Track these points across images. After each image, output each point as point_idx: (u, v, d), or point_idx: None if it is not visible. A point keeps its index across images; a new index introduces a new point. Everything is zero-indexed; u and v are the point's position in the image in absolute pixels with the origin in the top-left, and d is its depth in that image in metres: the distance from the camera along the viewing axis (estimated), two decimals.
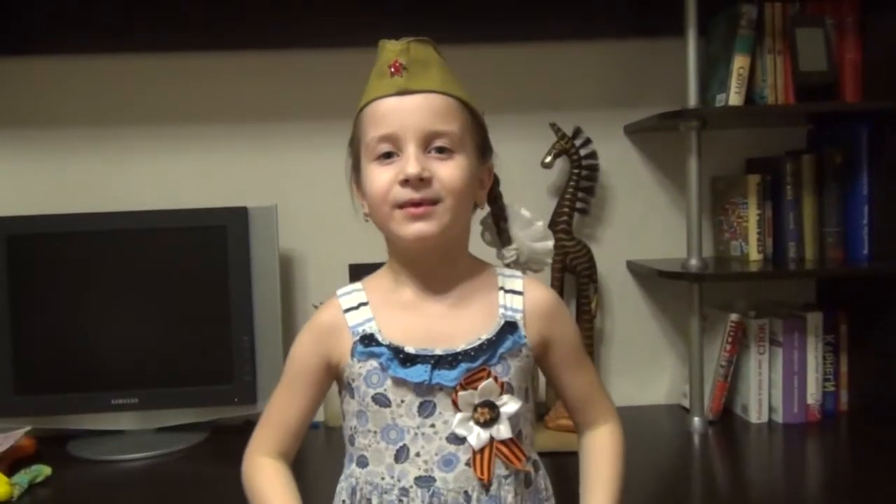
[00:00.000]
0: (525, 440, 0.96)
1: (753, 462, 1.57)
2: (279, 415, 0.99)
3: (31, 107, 1.82)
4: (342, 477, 0.98)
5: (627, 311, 1.91)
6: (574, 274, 1.79)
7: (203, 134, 1.84)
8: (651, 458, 1.56)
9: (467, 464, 0.90)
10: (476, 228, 1.05)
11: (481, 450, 0.91)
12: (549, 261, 1.12)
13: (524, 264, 1.09)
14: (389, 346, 0.92)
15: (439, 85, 0.93)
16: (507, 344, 0.94)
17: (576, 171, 1.76)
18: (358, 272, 1.80)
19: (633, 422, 1.74)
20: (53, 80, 1.82)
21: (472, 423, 0.91)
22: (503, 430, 0.92)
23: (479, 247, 1.05)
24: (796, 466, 1.56)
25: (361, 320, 0.95)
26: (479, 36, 1.81)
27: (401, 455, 0.91)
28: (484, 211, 1.06)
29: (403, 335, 0.93)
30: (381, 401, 0.91)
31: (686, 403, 1.76)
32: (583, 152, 1.77)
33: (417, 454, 0.90)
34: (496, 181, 1.06)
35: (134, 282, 1.69)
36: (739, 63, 1.66)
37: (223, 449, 1.67)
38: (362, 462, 0.94)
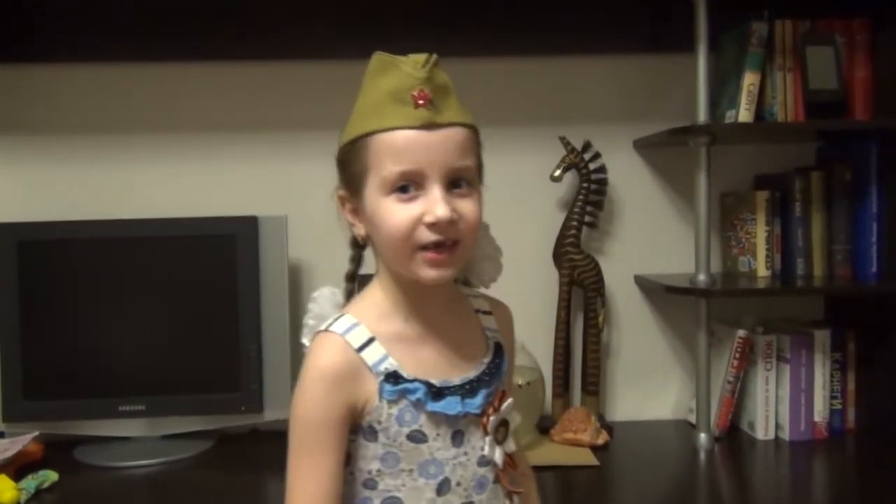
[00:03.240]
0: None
1: (759, 479, 1.57)
2: (316, 486, 0.87)
3: (44, 114, 1.84)
4: None
5: (635, 325, 1.91)
6: (582, 287, 1.79)
7: (214, 143, 1.85)
8: (657, 473, 1.56)
9: (494, 482, 0.94)
10: None
11: (503, 465, 0.94)
12: (496, 278, 1.07)
13: (472, 277, 1.05)
14: (419, 382, 0.90)
15: (458, 116, 0.89)
16: (503, 363, 0.98)
17: (585, 184, 1.77)
18: (365, 283, 1.80)
19: (639, 437, 1.77)
20: (66, 88, 1.83)
21: (495, 444, 0.94)
22: (511, 444, 0.96)
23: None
24: (802, 484, 1.55)
25: (378, 358, 0.89)
26: (490, 49, 1.82)
27: (443, 488, 0.91)
28: None
29: (423, 369, 0.91)
30: (417, 437, 0.90)
31: (692, 419, 1.76)
32: (592, 166, 1.77)
33: (458, 483, 0.91)
34: None
35: (143, 289, 1.70)
36: (750, 80, 1.67)
37: (229, 457, 1.67)
38: (392, 503, 0.90)
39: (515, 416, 0.97)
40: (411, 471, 0.90)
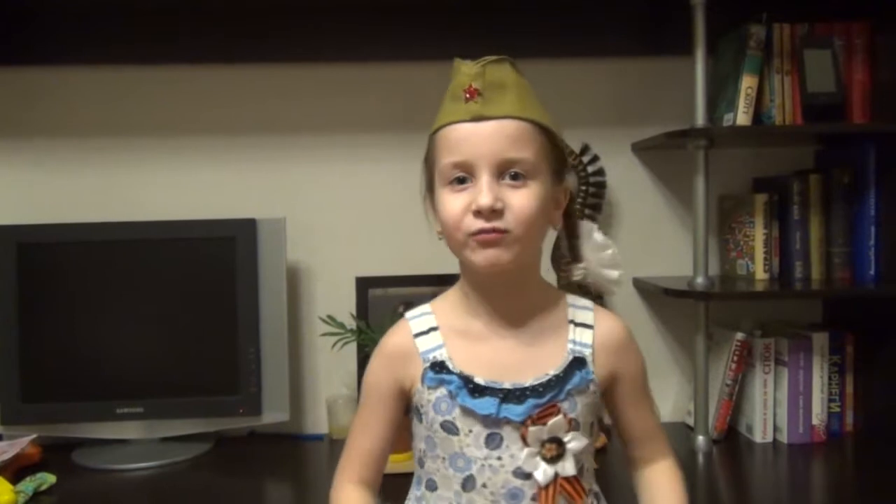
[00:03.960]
0: (586, 473, 0.97)
1: (757, 482, 1.57)
2: (360, 443, 0.99)
3: (44, 117, 1.84)
4: (410, 497, 1.00)
5: (633, 328, 1.87)
6: (580, 290, 1.79)
7: (213, 146, 1.85)
8: None
9: (532, 499, 0.91)
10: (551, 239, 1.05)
11: (546, 486, 0.91)
12: (616, 290, 1.09)
13: (591, 285, 1.07)
14: (460, 375, 0.92)
15: (515, 109, 0.91)
16: (575, 380, 0.94)
17: (583, 187, 1.77)
18: (365, 285, 1.81)
19: None
20: (65, 91, 1.84)
21: (538, 459, 0.91)
22: (568, 468, 0.92)
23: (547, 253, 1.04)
24: (801, 487, 1.55)
25: (432, 346, 0.95)
26: (486, 52, 1.80)
27: (468, 484, 0.91)
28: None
29: (473, 365, 0.93)
30: (450, 428, 0.91)
31: (691, 422, 1.76)
32: (590, 169, 1.77)
33: (484, 485, 0.91)
34: (571, 198, 1.04)
35: (142, 291, 1.70)
36: (748, 83, 1.67)
37: (227, 459, 1.67)
38: (431, 485, 0.95)
39: (576, 438, 0.92)
40: (444, 459, 0.93)
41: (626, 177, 1.87)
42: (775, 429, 1.73)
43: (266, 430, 1.78)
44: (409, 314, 0.99)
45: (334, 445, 1.73)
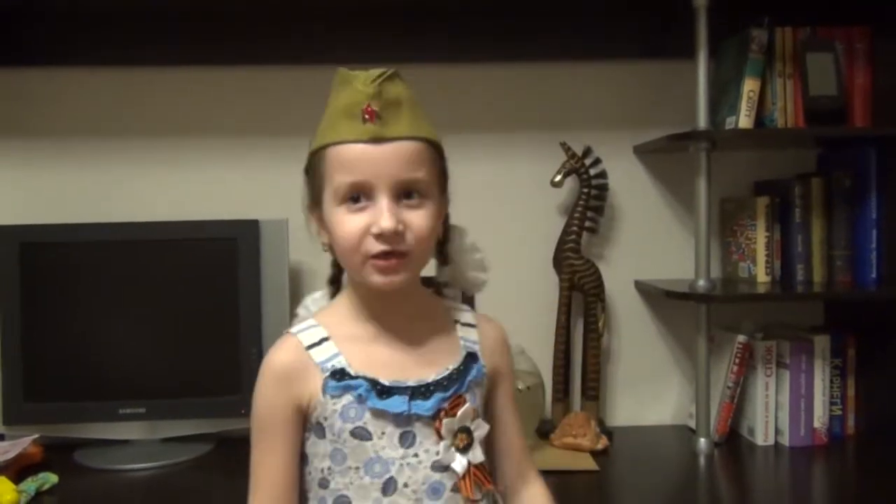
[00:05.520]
0: (487, 464, 0.99)
1: (759, 485, 1.57)
2: (269, 475, 0.95)
3: (47, 118, 1.84)
4: None
5: (635, 330, 1.91)
6: (582, 293, 1.80)
7: (216, 146, 1.86)
8: (656, 478, 1.56)
9: (452, 489, 0.93)
10: None
11: (463, 475, 0.93)
12: (479, 290, 1.11)
13: (459, 287, 1.09)
14: (365, 378, 0.91)
15: (411, 129, 0.92)
16: (473, 372, 0.97)
17: (585, 190, 1.77)
18: None
19: (638, 442, 1.77)
20: (68, 92, 1.84)
21: (453, 450, 0.93)
22: (478, 454, 0.95)
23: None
24: (802, 490, 1.55)
25: (328, 356, 0.93)
26: (490, 55, 1.83)
27: (388, 488, 0.91)
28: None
29: (373, 368, 0.93)
30: (362, 434, 0.91)
31: (692, 424, 1.76)
32: (592, 172, 1.77)
33: (405, 485, 0.91)
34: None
35: (144, 292, 1.70)
36: (750, 86, 1.67)
37: (229, 460, 1.67)
38: (343, 502, 0.92)
39: (481, 425, 0.96)
40: (357, 468, 0.91)
41: (628, 179, 1.88)
42: (777, 431, 1.73)
43: None
44: (293, 329, 0.97)
45: None
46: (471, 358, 0.98)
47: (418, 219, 0.91)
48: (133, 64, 1.82)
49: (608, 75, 1.87)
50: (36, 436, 1.64)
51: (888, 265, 1.70)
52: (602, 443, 1.67)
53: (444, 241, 1.04)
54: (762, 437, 1.72)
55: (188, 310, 1.70)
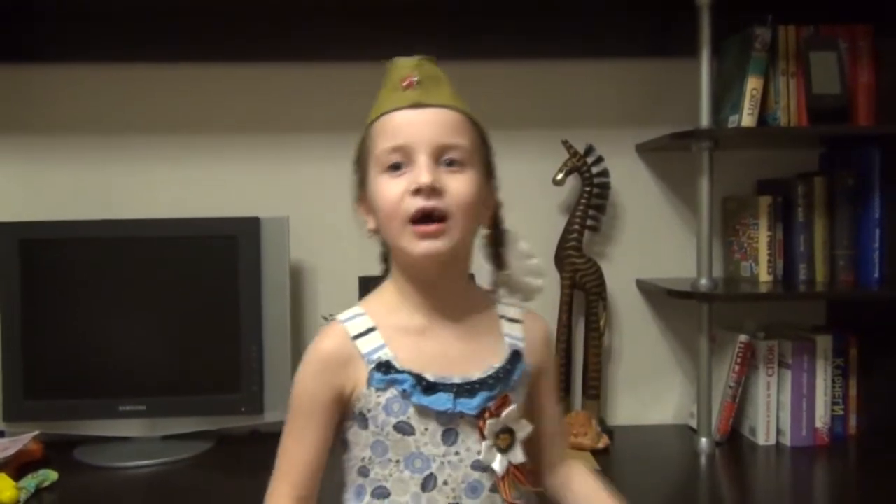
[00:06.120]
0: (527, 464, 0.98)
1: (760, 484, 1.56)
2: (296, 459, 0.94)
3: (47, 114, 1.84)
4: None
5: (636, 329, 1.90)
6: (583, 291, 1.79)
7: (216, 144, 1.86)
8: (657, 478, 1.56)
9: (491, 489, 0.92)
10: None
11: (502, 475, 0.92)
12: (536, 297, 1.09)
13: (514, 292, 1.08)
14: (410, 374, 0.91)
15: (451, 100, 0.94)
16: (518, 372, 0.96)
17: (587, 188, 1.77)
18: (367, 284, 1.80)
19: (639, 441, 1.76)
20: (68, 89, 1.84)
21: (494, 450, 0.92)
22: (519, 455, 0.94)
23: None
24: (803, 490, 1.55)
25: (374, 347, 0.93)
26: (493, 52, 1.83)
27: (428, 484, 0.91)
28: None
29: (418, 362, 0.92)
30: (405, 429, 0.90)
31: (694, 424, 1.75)
32: (594, 170, 1.77)
33: (445, 482, 0.91)
34: (498, 205, 1.05)
35: (144, 289, 1.70)
36: (753, 84, 1.67)
37: (229, 458, 1.67)
38: (381, 493, 0.92)
39: (524, 426, 0.95)
40: (398, 462, 0.91)
41: (630, 178, 1.87)
42: (778, 431, 1.72)
43: (268, 429, 1.77)
44: (340, 317, 0.96)
45: (335, 445, 1.73)
46: (516, 356, 0.97)
47: (457, 182, 0.91)
48: (133, 61, 1.82)
49: (610, 73, 1.87)
50: (36, 433, 1.63)
51: (891, 265, 1.69)
52: (603, 442, 1.67)
53: (498, 243, 1.04)
54: (763, 436, 1.72)
55: (188, 307, 1.70)
